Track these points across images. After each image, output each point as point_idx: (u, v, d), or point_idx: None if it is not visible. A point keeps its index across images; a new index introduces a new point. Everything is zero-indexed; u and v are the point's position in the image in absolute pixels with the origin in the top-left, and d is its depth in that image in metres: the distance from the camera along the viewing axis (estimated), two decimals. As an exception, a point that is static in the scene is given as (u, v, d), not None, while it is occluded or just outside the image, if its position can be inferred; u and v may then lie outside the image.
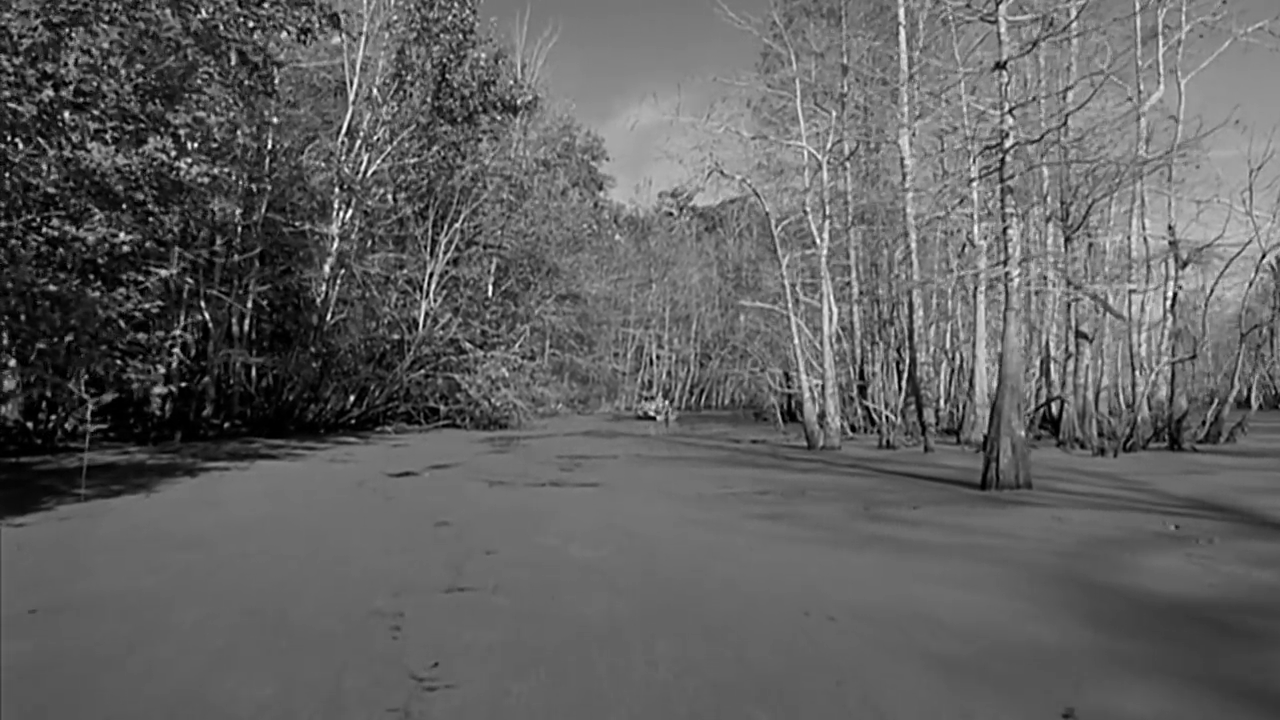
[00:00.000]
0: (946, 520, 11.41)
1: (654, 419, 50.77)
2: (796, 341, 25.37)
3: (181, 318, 28.62)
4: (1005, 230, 14.78)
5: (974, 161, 25.78)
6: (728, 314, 79.47)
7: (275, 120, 30.14)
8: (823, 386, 25.22)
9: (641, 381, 71.20)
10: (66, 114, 14.94)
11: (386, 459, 21.26)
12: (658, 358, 75.12)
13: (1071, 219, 24.84)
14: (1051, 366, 29.75)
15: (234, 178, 18.53)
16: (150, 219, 16.74)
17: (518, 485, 15.52)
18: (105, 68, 13.63)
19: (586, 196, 60.44)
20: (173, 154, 16.16)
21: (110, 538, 9.88)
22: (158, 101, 15.18)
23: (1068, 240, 25.46)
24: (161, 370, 15.33)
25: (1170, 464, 20.15)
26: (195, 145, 16.42)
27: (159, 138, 15.92)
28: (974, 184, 25.05)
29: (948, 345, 33.54)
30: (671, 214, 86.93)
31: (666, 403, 55.35)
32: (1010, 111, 14.56)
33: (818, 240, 26.78)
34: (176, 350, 17.16)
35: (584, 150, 62.15)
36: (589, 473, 18.11)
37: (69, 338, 13.91)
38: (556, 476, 17.17)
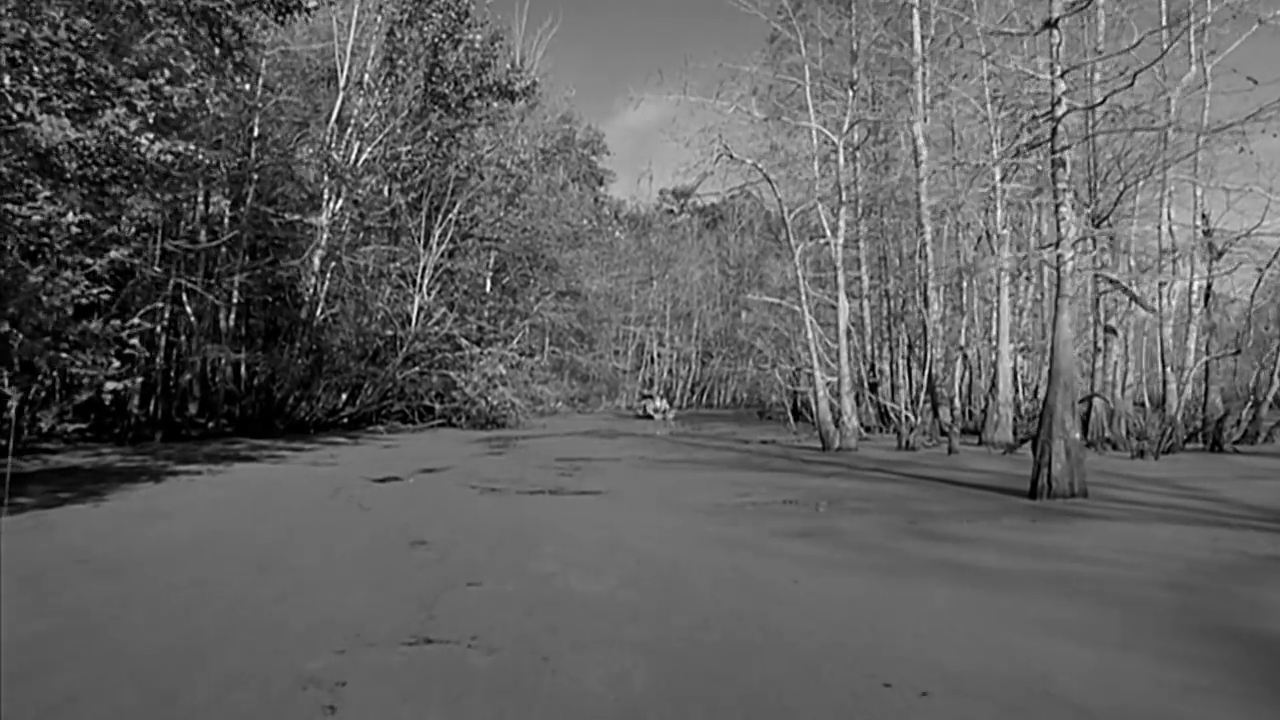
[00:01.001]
0: (1011, 538, 9.65)
1: (652, 418, 49.00)
2: (811, 336, 23.55)
3: (167, 311, 27.07)
4: (1058, 208, 13.01)
5: (994, 144, 24.08)
6: (729, 311, 77.87)
7: (261, 105, 28.45)
8: (838, 384, 23.44)
9: (642, 380, 69.35)
10: (7, 79, 13.19)
11: (373, 462, 19.51)
12: (659, 356, 73.21)
13: (1101, 206, 23.09)
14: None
15: (204, 158, 16.67)
16: (106, 200, 14.97)
17: (511, 493, 13.75)
18: (41, 19, 11.86)
19: (586, 192, 58.57)
20: (131, 127, 14.38)
21: (22, 561, 8.11)
22: (106, 64, 13.39)
23: (1096, 229, 23.66)
24: (115, 364, 13.50)
25: (1220, 467, 18.40)
26: (153, 117, 14.58)
27: (114, 108, 14.15)
28: (997, 169, 23.35)
29: (963, 341, 31.75)
30: (672, 211, 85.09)
31: (664, 402, 53.56)
32: (1063, 75, 12.81)
33: (828, 231, 25.00)
34: (135, 342, 15.33)
35: (584, 145, 60.27)
36: (591, 478, 16.33)
37: (3, 327, 12.13)
38: (555, 483, 15.39)
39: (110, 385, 13.25)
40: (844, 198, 24.72)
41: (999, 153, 24.24)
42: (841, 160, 24.66)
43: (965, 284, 31.71)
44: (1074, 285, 13.12)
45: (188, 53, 14.36)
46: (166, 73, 13.72)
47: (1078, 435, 12.83)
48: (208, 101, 15.15)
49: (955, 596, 6.89)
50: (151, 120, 14.98)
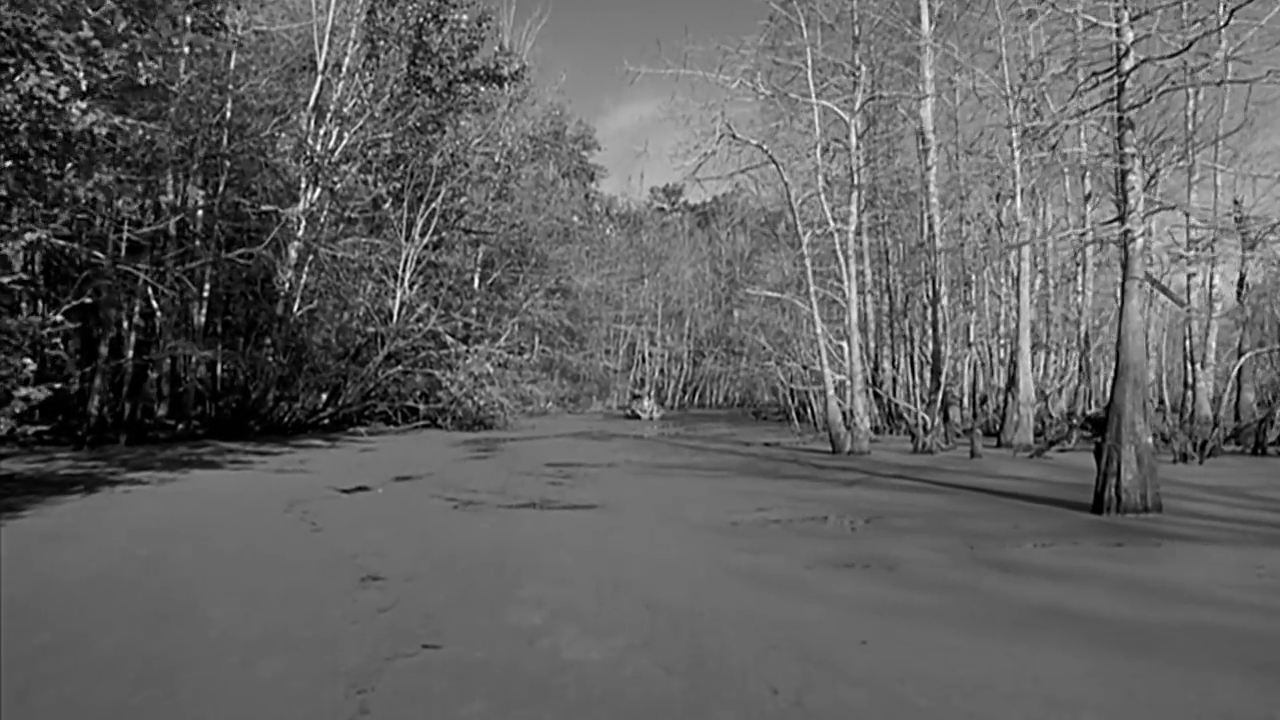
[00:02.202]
0: (1107, 569, 7.69)
1: (639, 418, 47.05)
2: (820, 330, 21.57)
3: (135, 307, 25.22)
4: (1124, 175, 11.11)
5: (1014, 126, 22.22)
6: (721, 310, 75.98)
7: (234, 88, 26.41)
8: (849, 382, 21.47)
9: (634, 379, 67.26)
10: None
11: (345, 468, 17.48)
12: (650, 355, 71.07)
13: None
14: (1090, 360, 26.08)
15: (146, 134, 14.67)
16: (29, 175, 12.95)
17: (492, 508, 11.72)
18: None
19: (577, 188, 56.41)
20: (61, 95, 12.35)
21: None
22: (22, 16, 11.35)
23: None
24: (30, 366, 11.42)
25: (1276, 473, 16.52)
26: (86, 85, 12.57)
27: (36, 70, 12.11)
28: (1016, 155, 21.49)
29: (971, 337, 29.85)
30: (663, 209, 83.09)
31: (651, 402, 51.68)
32: (1134, 20, 10.89)
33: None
34: (59, 341, 13.31)
35: (575, 139, 58.08)
36: (583, 488, 14.32)
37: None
38: (543, 493, 13.36)
39: (24, 392, 11.16)
40: (855, 181, 22.73)
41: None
42: (854, 141, 22.66)
43: (974, 278, 29.85)
44: (1142, 266, 11.19)
45: (112, 2, 12.28)
46: (84, 26, 11.66)
47: (1149, 440, 10.91)
48: (140, 65, 13.04)
49: (1098, 671, 4.91)
50: (85, 88, 13.01)
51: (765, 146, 20.80)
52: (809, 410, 31.33)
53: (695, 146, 20.20)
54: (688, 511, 11.49)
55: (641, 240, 70.47)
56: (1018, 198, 22.68)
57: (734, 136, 20.62)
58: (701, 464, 18.94)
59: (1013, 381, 23.34)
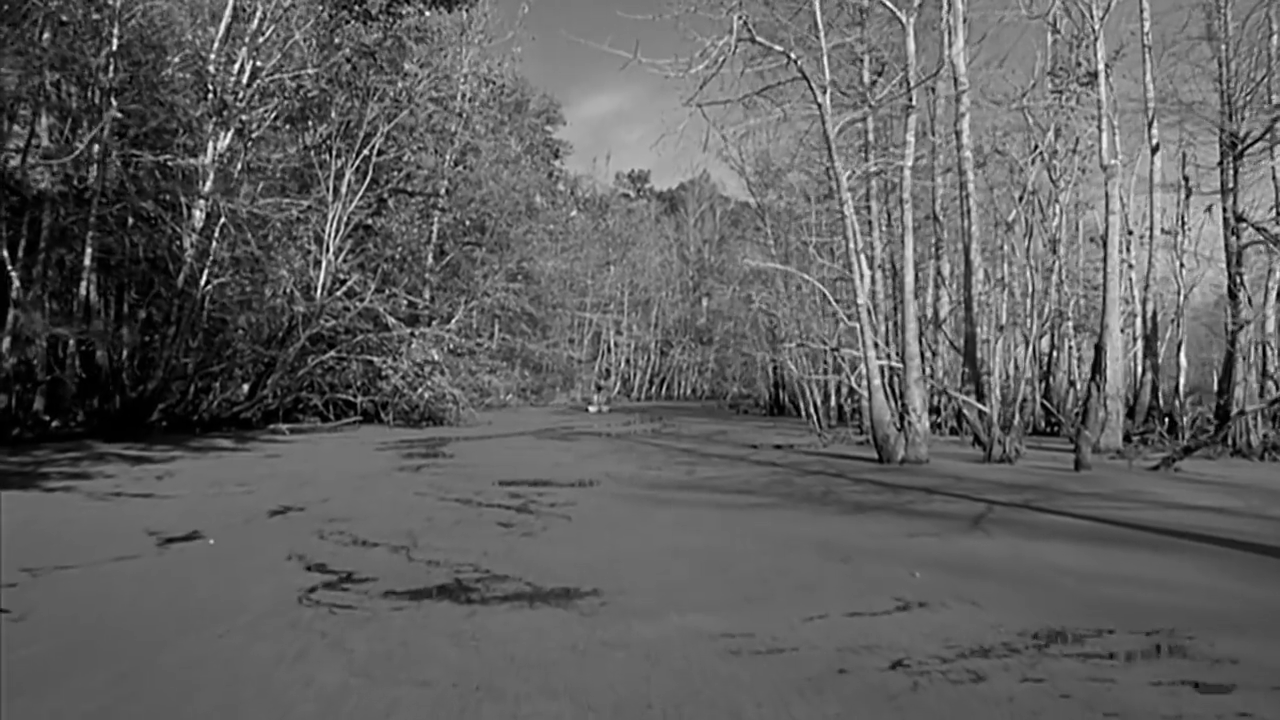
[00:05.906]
0: None
1: (588, 411, 41.38)
2: (861, 302, 15.73)
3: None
4: None
5: (1097, 42, 16.75)
6: (689, 298, 71.05)
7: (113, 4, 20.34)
8: (904, 371, 15.82)
9: (599, 370, 61.53)
10: None
11: (216, 487, 11.52)
12: (616, 345, 65.18)
13: (1247, 134, 15.87)
14: (1158, 343, 20.72)
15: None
16: None
17: (376, 597, 5.79)
18: None
19: (541, 164, 50.34)
20: None
21: None
22: None
23: (1236, 162, 16.43)
24: None
25: None
26: None
27: None
28: (1104, 72, 16.02)
29: (1002, 318, 24.42)
30: (628, 195, 77.30)
31: (600, 395, 46.28)
32: None
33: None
34: None
35: (538, 113, 51.97)
36: (550, 534, 8.39)
37: None
38: (481, 552, 7.36)
39: None
40: (911, 101, 16.99)
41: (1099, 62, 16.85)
42: (910, 48, 16.86)
43: (1007, 247, 24.41)
44: None
45: None
46: None
47: None
48: None
49: None
50: None
51: (794, 55, 14.99)
52: (806, 404, 26.13)
53: (701, 54, 14.37)
54: (762, 607, 5.61)
55: (607, 224, 64.52)
56: (1105, 132, 17.16)
57: (754, 41, 14.86)
58: (716, 481, 13.07)
59: (1097, 369, 17.90)
